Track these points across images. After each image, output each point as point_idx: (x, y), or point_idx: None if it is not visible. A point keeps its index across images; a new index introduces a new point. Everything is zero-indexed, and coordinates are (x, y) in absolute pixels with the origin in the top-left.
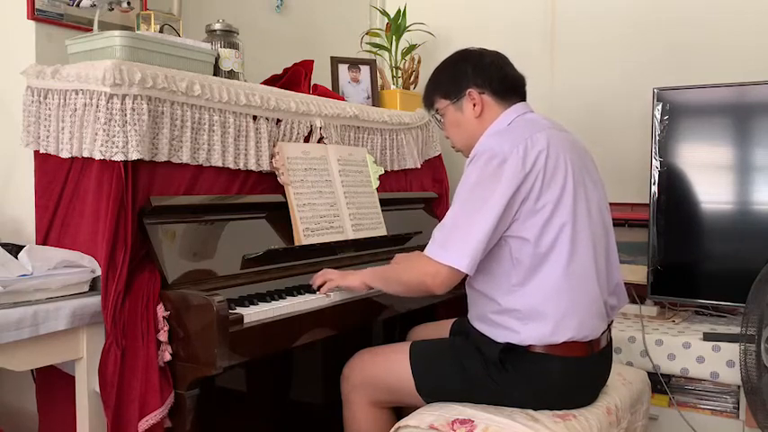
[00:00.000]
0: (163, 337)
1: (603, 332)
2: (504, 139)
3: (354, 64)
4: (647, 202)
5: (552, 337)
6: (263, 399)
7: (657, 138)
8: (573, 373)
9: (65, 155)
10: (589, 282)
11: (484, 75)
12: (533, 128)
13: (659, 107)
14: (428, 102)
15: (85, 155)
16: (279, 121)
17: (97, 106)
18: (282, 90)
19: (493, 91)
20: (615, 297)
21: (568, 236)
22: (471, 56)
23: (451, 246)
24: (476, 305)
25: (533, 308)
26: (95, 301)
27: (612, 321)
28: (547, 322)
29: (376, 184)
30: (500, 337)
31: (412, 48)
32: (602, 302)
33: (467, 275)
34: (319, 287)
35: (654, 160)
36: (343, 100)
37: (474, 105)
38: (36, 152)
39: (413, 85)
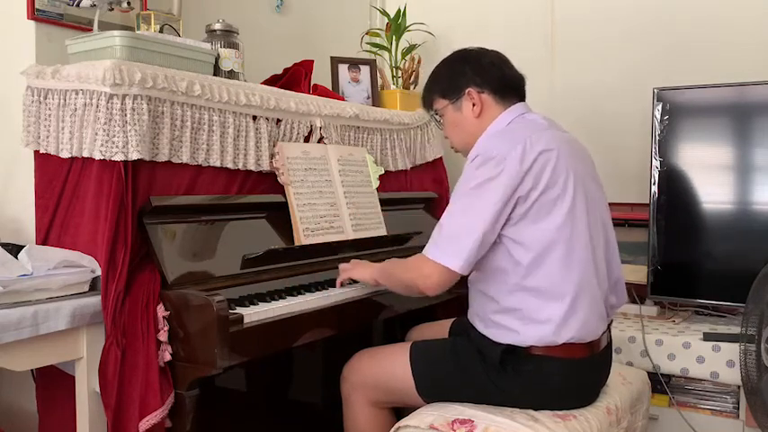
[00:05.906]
0: (163, 337)
1: (603, 332)
2: (503, 139)
3: (354, 64)
4: (647, 202)
5: (553, 338)
6: (264, 399)
7: (657, 138)
8: (573, 374)
9: (65, 155)
10: (588, 282)
11: (483, 74)
12: (533, 128)
13: (659, 107)
14: (427, 102)
15: (85, 155)
16: (279, 121)
17: (97, 106)
18: (282, 90)
19: (492, 90)
20: (615, 296)
21: (567, 236)
22: (470, 55)
23: (446, 245)
24: (476, 304)
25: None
26: (95, 301)
27: (612, 321)
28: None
29: (376, 184)
30: (500, 337)
31: (412, 48)
32: (602, 302)
33: (462, 278)
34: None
35: (654, 160)
36: (343, 100)
37: (473, 105)
38: (36, 152)
39: (413, 85)
